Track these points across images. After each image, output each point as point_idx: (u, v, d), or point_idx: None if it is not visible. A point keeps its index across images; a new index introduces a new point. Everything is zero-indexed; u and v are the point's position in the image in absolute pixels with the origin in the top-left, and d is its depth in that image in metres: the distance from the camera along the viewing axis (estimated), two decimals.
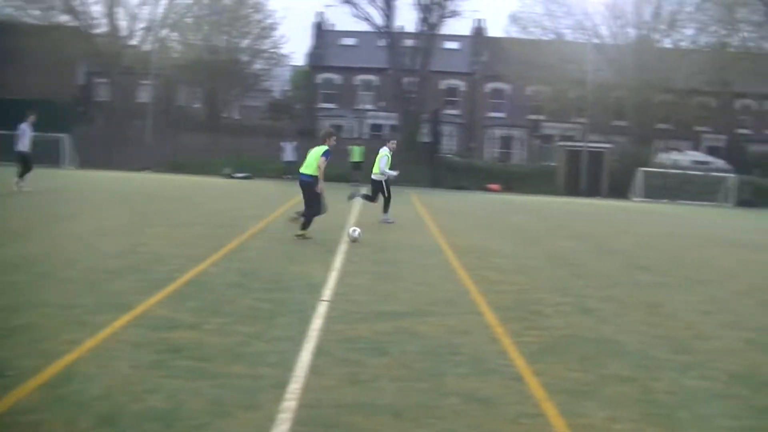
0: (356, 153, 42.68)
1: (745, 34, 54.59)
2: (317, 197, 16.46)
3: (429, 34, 53.04)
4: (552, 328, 9.17)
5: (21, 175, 24.22)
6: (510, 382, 6.97)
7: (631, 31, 57.18)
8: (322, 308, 9.46)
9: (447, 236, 18.52)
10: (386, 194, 21.52)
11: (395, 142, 22.74)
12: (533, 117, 60.27)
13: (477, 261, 14.58)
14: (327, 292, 10.49)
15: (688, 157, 51.79)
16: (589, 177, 47.89)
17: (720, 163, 50.68)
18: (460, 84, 62.67)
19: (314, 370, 6.94)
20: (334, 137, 17.17)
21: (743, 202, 46.06)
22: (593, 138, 51.63)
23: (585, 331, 9.13)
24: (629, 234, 22.67)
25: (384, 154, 21.47)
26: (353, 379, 6.79)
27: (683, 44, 57.04)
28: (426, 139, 52.01)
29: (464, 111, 61.87)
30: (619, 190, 46.49)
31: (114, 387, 6.24)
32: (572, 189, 47.16)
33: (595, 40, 56.46)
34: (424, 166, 47.33)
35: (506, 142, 61.44)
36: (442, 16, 52.95)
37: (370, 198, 22.13)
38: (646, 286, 12.84)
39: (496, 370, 7.30)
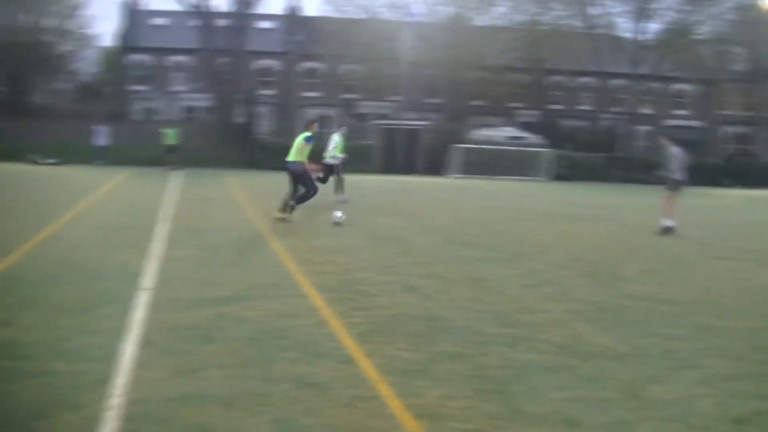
0: (170, 136, 41.75)
1: (557, 13, 55.97)
2: (309, 178, 18.15)
3: (243, 13, 52.41)
4: (379, 308, 9.11)
5: None
6: (341, 365, 6.85)
7: (445, 9, 57.88)
8: (143, 297, 9.11)
9: (265, 218, 18.29)
10: (339, 176, 23.43)
11: (346, 128, 24.96)
12: (348, 96, 60.33)
13: (297, 242, 14.46)
14: (147, 280, 10.15)
15: (503, 132, 52.91)
16: (405, 154, 48.28)
17: (534, 138, 51.94)
18: (274, 64, 62.13)
19: (140, 362, 6.64)
20: (317, 124, 19.34)
21: (558, 176, 47.41)
22: (408, 116, 52.11)
23: (412, 309, 9.12)
24: (448, 210, 22.95)
25: (335, 140, 23.62)
26: (180, 369, 6.53)
27: (496, 22, 57.98)
28: (241, 120, 51.44)
29: (279, 91, 61.38)
30: (436, 166, 47.04)
31: None
32: (389, 167, 47.43)
33: (410, 18, 56.88)
34: (239, 148, 46.77)
35: (321, 121, 61.19)
36: None
37: (322, 180, 22.87)
38: (469, 262, 12.98)
39: (326, 354, 7.17)
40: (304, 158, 18.15)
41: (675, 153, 19.51)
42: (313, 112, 58.73)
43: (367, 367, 6.82)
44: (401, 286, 10.50)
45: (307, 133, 18.28)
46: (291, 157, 18.16)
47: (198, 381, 6.29)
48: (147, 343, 7.21)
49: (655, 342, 8.14)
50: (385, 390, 6.25)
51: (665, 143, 20.12)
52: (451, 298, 9.83)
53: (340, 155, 23.48)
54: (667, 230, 18.73)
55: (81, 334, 7.54)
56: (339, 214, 17.65)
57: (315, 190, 18.50)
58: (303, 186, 18.23)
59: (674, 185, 19.45)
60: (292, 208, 18.09)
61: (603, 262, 13.74)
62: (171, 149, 41.11)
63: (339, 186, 22.61)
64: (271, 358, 6.95)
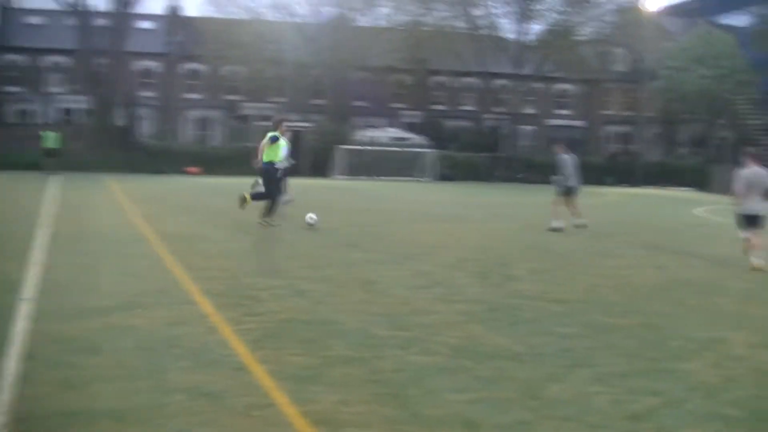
0: (50, 139, 40.77)
1: (440, 13, 56.30)
2: (276, 181, 18.22)
3: (122, 13, 51.47)
4: (269, 313, 8.96)
5: None
6: (235, 373, 6.69)
7: (328, 10, 57.70)
8: (24, 308, 8.76)
9: (150, 223, 17.96)
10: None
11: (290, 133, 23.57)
12: (230, 97, 59.74)
13: (184, 247, 14.16)
14: (28, 290, 9.76)
15: (387, 133, 53.10)
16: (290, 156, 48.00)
17: (418, 138, 52.23)
18: (155, 65, 61.11)
19: (24, 377, 6.35)
20: (285, 122, 19.30)
21: (442, 176, 47.79)
22: (292, 117, 51.86)
23: (303, 314, 9.00)
24: (334, 212, 22.83)
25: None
26: (67, 383, 6.26)
27: (380, 22, 58.05)
28: (121, 122, 50.52)
29: (160, 93, 60.43)
30: (320, 168, 47.01)
31: None
32: None
33: (294, 19, 56.58)
34: (119, 151, 45.95)
35: (204, 123, 60.60)
36: None
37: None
38: (358, 264, 12.92)
39: (219, 361, 7.00)
40: (276, 158, 18.33)
41: (567, 160, 20.23)
42: (195, 114, 58.19)
43: (261, 373, 6.68)
44: (291, 290, 10.35)
45: (273, 133, 18.25)
46: (264, 158, 18.16)
47: (86, 395, 6.05)
48: (30, 357, 6.90)
49: (549, 341, 8.19)
50: (280, 397, 6.12)
51: (559, 150, 20.71)
52: (342, 302, 9.73)
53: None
54: (556, 230, 19.38)
55: None
56: (312, 216, 17.95)
57: (276, 194, 18.46)
58: (265, 186, 18.42)
59: (567, 191, 20.18)
60: (245, 201, 18.43)
61: (492, 261, 13.82)
62: (51, 153, 40.14)
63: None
64: (163, 368, 6.74)
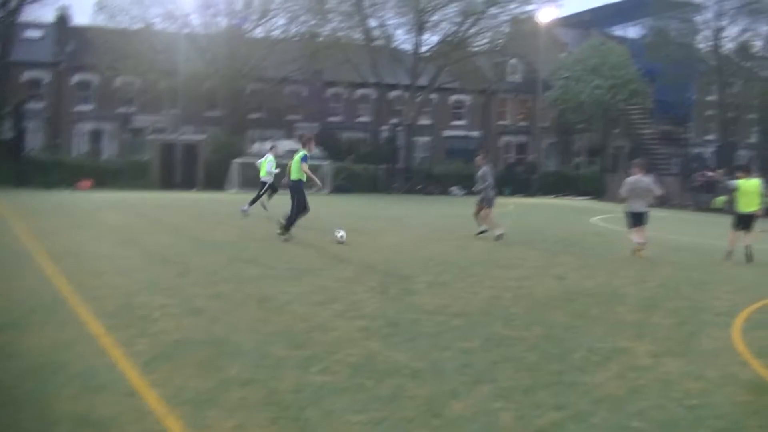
0: None
1: (335, 24, 56.23)
2: (303, 199, 19.02)
3: (7, 21, 50.17)
4: (162, 333, 8.65)
5: None
6: (125, 399, 6.39)
7: (223, 21, 57.09)
8: None
9: (38, 240, 17.39)
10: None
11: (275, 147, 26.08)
12: (123, 110, 58.67)
13: (73, 265, 13.68)
14: None
15: (283, 145, 52.79)
16: (184, 170, 47.45)
17: (314, 150, 51.94)
18: (43, 76, 59.68)
19: None
20: (313, 141, 20.19)
21: (339, 189, 47.66)
22: (187, 129, 51.23)
23: (197, 333, 8.71)
24: (229, 226, 22.50)
25: (269, 159, 25.30)
26: None
27: (275, 33, 57.74)
28: (8, 135, 49.20)
29: (49, 104, 59.03)
30: (216, 181, 46.47)
31: None
32: (167, 183, 46.53)
33: (186, 30, 55.86)
34: (7, 165, 44.73)
35: (96, 136, 59.35)
36: (22, 2, 50.27)
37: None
38: (254, 280, 12.63)
39: (108, 386, 6.67)
40: (303, 176, 19.01)
41: (487, 171, 21.30)
42: (86, 126, 57.05)
43: (153, 399, 6.40)
44: (185, 308, 10.03)
45: (304, 152, 19.09)
46: (292, 176, 19.07)
47: None
48: None
49: (449, 356, 8.07)
50: (174, 423, 5.88)
51: (480, 163, 21.73)
52: (238, 320, 9.46)
53: (275, 171, 26.35)
54: (500, 237, 20.71)
55: None
56: (341, 232, 18.83)
57: (303, 211, 19.34)
58: (293, 202, 19.19)
59: (490, 200, 21.22)
60: (287, 229, 19.03)
61: (391, 275, 13.68)
62: None
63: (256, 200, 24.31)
64: (48, 395, 6.39)
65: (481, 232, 21.02)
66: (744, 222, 18.95)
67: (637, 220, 18.47)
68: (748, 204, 18.90)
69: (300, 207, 19.11)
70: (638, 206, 18.47)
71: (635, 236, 18.58)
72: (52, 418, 5.89)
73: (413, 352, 8.15)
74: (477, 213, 21.37)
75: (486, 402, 6.61)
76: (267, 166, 26.97)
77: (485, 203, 20.99)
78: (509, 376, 7.39)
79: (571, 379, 7.43)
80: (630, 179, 18.70)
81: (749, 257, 18.27)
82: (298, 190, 19.08)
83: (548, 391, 6.96)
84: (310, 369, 7.40)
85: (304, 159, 18.82)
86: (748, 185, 19.09)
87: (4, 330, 8.51)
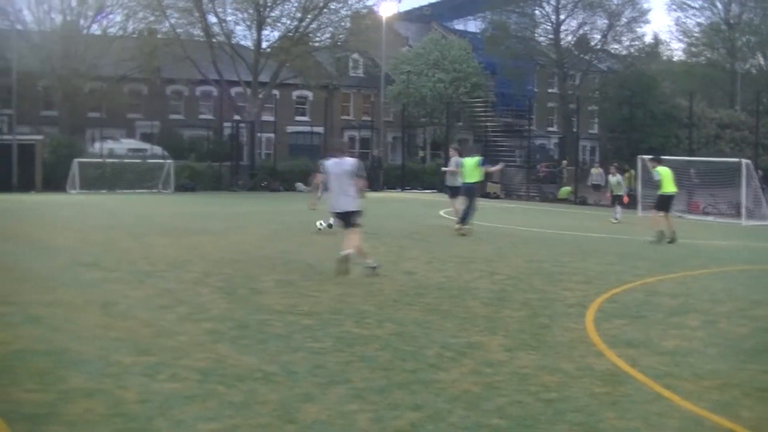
0: None
1: (174, 21, 55.29)
2: (476, 199, 22.42)
3: None
4: None
5: None
6: None
7: (57, 17, 55.50)
8: None
9: None
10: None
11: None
12: None
13: None
14: None
15: (124, 145, 51.73)
16: (20, 171, 45.94)
17: (156, 149, 51.14)
18: None
19: None
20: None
21: (182, 187, 46.99)
22: (22, 130, 49.61)
23: (36, 343, 8.33)
24: (70, 229, 21.78)
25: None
26: None
27: (112, 30, 56.48)
28: None
29: None
30: (55, 183, 45.17)
31: None
32: (3, 185, 44.97)
33: (19, 26, 54.08)
34: None
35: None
36: None
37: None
38: (96, 284, 12.24)
39: None
40: (479, 178, 22.83)
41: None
42: None
43: None
44: (21, 317, 9.60)
45: (478, 157, 22.80)
46: (469, 178, 22.14)
47: None
48: None
49: (301, 357, 7.93)
50: None
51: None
52: (79, 327, 9.10)
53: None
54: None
55: None
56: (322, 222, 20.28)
57: (475, 209, 22.30)
58: (469, 203, 22.03)
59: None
60: (464, 222, 22.03)
61: (237, 275, 13.44)
62: None
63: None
64: None
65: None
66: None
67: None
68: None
69: (473, 208, 22.04)
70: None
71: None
72: None
73: (264, 355, 7.98)
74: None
75: (341, 404, 6.48)
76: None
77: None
78: (364, 377, 7.28)
79: (426, 377, 7.36)
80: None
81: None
82: (473, 192, 22.33)
83: (404, 391, 6.88)
84: (158, 376, 7.14)
85: (483, 163, 22.57)
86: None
87: None
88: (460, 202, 22.85)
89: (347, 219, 14.00)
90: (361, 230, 14.26)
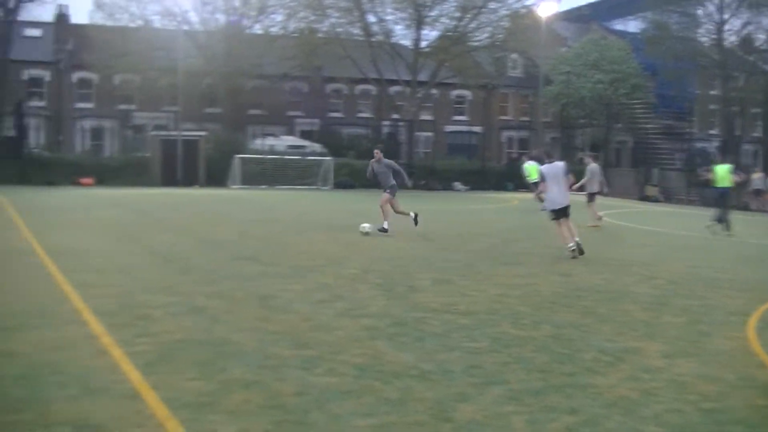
0: None
1: (334, 20, 56.04)
2: (729, 203, 24.43)
3: (6, 20, 50.03)
4: (164, 333, 8.47)
5: None
6: (125, 401, 6.20)
7: (221, 17, 56.95)
8: None
9: (39, 237, 17.20)
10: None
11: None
12: (123, 107, 58.53)
13: (73, 263, 13.51)
14: None
15: (284, 141, 52.66)
16: (185, 166, 47.29)
17: (315, 147, 51.90)
18: (44, 74, 59.57)
19: None
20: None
21: (340, 184, 47.51)
22: (187, 126, 51.07)
23: (198, 333, 8.53)
24: (231, 223, 22.31)
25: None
26: None
27: (273, 30, 57.57)
28: (10, 133, 49.13)
29: (50, 102, 58.96)
30: (217, 178, 46.34)
31: None
32: (169, 179, 46.39)
33: (185, 27, 55.73)
34: (8, 163, 44.65)
35: (97, 133, 59.28)
36: (21, 0, 50.14)
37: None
38: (255, 278, 12.45)
39: (108, 389, 6.49)
40: (730, 183, 24.12)
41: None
42: (87, 124, 56.93)
43: (154, 401, 6.21)
44: (186, 307, 9.86)
45: (731, 165, 24.41)
46: (721, 182, 23.92)
47: None
48: None
49: (457, 357, 7.87)
50: (175, 427, 5.69)
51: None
52: (239, 319, 9.28)
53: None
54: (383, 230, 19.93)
55: None
56: (366, 225, 19.55)
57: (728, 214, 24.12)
58: (725, 207, 24.07)
59: (394, 188, 20.83)
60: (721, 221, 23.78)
61: (394, 272, 13.49)
62: None
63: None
64: (47, 398, 6.21)
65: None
66: None
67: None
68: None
69: (728, 211, 23.86)
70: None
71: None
72: (51, 421, 5.72)
73: (420, 353, 7.96)
74: (393, 206, 20.89)
75: (496, 405, 6.42)
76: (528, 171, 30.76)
77: (391, 192, 20.62)
78: (520, 378, 7.19)
79: (582, 381, 7.22)
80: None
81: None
82: (727, 197, 24.10)
83: (560, 394, 6.77)
84: (315, 370, 7.21)
85: (735, 171, 24.33)
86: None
87: (2, 330, 8.33)
88: (594, 208, 24.33)
89: (565, 212, 16.84)
90: (523, 228, 14.18)
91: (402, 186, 20.78)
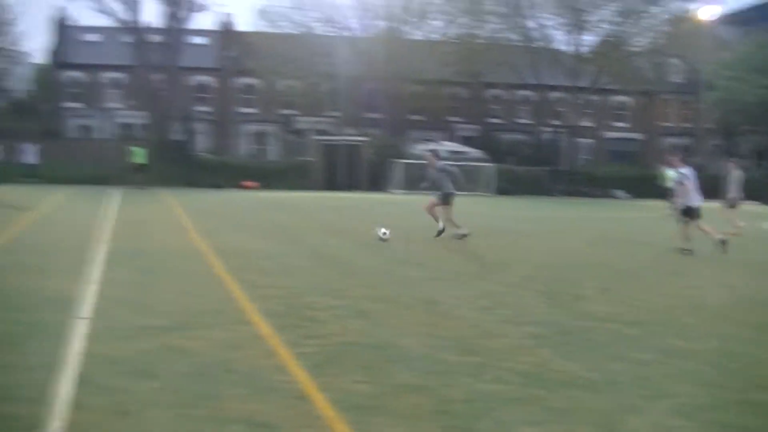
0: (138, 154, 41.82)
1: (493, 26, 56.00)
2: None
3: (175, 29, 51.68)
4: (330, 336, 8.58)
5: None
6: (294, 402, 6.31)
7: (381, 23, 57.51)
8: (80, 327, 8.47)
9: (207, 238, 17.72)
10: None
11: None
12: (286, 112, 59.76)
13: (240, 264, 13.86)
14: (84, 308, 9.49)
15: (443, 147, 52.85)
16: (346, 170, 47.91)
17: (476, 152, 51.92)
18: (209, 80, 61.47)
19: (76, 403, 6.01)
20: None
21: (501, 191, 47.40)
22: (347, 131, 51.76)
23: (365, 337, 8.61)
24: (393, 227, 22.39)
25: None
26: (121, 410, 5.92)
27: (433, 36, 57.88)
28: (177, 137, 50.77)
29: (215, 107, 60.70)
30: (378, 182, 46.80)
31: None
32: (330, 183, 47.08)
33: (346, 33, 56.56)
34: (177, 166, 46.13)
35: (260, 138, 60.82)
36: (190, 10, 51.77)
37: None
38: (418, 282, 12.52)
39: (277, 388, 6.61)
40: None
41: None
42: (250, 128, 58.35)
43: (321, 402, 6.29)
44: (352, 310, 9.98)
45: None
46: None
47: (141, 423, 5.73)
48: (83, 380, 6.57)
49: (624, 367, 7.71)
50: (343, 429, 5.74)
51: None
52: (406, 324, 9.32)
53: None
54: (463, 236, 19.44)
55: (10, 371, 6.89)
56: (384, 230, 18.46)
57: None
58: None
59: (445, 196, 20.12)
60: None
61: (559, 280, 13.37)
62: (139, 168, 41.54)
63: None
64: (219, 395, 6.37)
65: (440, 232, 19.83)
66: None
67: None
68: None
69: None
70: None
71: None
72: (223, 418, 5.86)
73: (586, 362, 7.83)
74: (430, 211, 20.68)
75: (664, 418, 6.24)
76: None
77: (443, 200, 20.04)
78: (687, 392, 6.97)
79: (754, 398, 6.97)
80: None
81: None
82: None
83: (730, 411, 6.53)
84: (482, 377, 7.17)
85: None
86: None
87: (176, 329, 8.61)
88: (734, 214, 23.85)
89: (697, 212, 18.29)
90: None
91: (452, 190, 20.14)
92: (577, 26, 55.33)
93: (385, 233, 18.14)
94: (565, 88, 56.96)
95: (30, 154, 43.74)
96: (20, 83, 71.66)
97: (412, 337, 8.64)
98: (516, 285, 12.65)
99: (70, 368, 6.93)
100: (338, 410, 6.10)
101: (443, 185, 20.02)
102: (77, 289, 10.76)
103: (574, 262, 16.13)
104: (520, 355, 8.04)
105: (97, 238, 16.89)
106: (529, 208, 35.39)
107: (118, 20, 51.08)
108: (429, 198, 20.57)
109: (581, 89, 56.57)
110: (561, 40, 57.93)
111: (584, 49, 56.94)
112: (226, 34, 63.60)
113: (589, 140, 61.29)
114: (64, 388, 6.38)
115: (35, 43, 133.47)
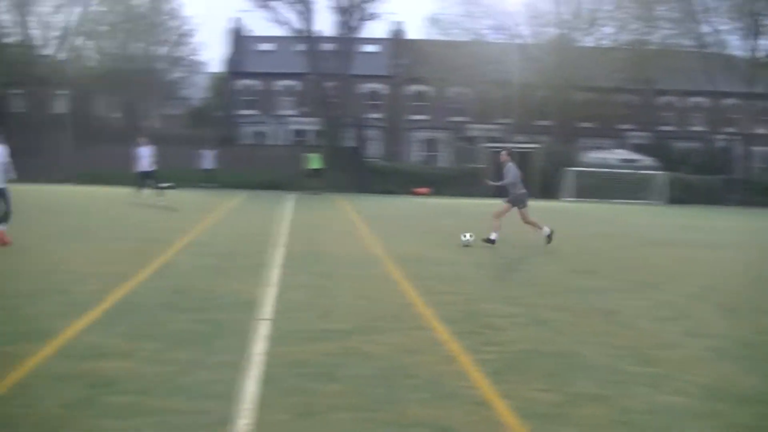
0: (314, 160, 43.27)
1: (665, 32, 54.96)
2: None
3: (347, 37, 52.45)
4: (509, 343, 8.60)
5: None
6: (476, 408, 6.35)
7: (552, 30, 57.11)
8: (262, 328, 8.76)
9: (383, 244, 17.95)
10: None
11: None
12: (456, 119, 59.96)
13: (416, 270, 13.97)
14: (266, 310, 9.80)
15: (615, 155, 52.05)
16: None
17: (647, 160, 50.94)
18: (381, 87, 62.18)
19: (262, 402, 6.24)
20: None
21: (673, 200, 46.35)
22: (518, 138, 51.54)
23: (544, 345, 8.59)
24: (566, 236, 22.21)
25: None
26: (306, 410, 6.12)
27: (604, 42, 57.17)
28: (349, 143, 51.56)
29: (386, 114, 61.36)
30: (549, 190, 46.36)
31: None
32: (500, 191, 46.85)
33: (516, 40, 56.39)
34: (349, 172, 46.83)
35: (431, 144, 61.18)
36: (362, 19, 52.45)
37: None
38: (596, 292, 12.39)
39: (458, 394, 6.67)
40: None
41: (510, 168, 19.55)
42: (421, 135, 58.76)
43: (503, 409, 6.31)
44: (530, 318, 9.97)
45: None
46: None
47: (326, 424, 5.89)
48: (268, 380, 6.82)
49: None
50: None
51: (504, 159, 20.10)
52: (584, 333, 9.26)
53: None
54: (549, 237, 18.94)
55: (199, 367, 7.19)
56: (467, 235, 17.94)
57: None
58: None
59: (518, 199, 19.37)
60: None
61: (738, 292, 13.06)
62: (315, 173, 42.79)
63: None
64: (401, 400, 6.47)
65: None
66: None
67: None
68: None
69: None
70: None
71: None
72: (406, 423, 5.95)
73: None
74: (525, 220, 19.63)
75: None
76: None
77: (515, 203, 19.28)
78: None
79: None
80: None
81: None
82: None
83: None
84: (661, 389, 7.06)
85: None
86: None
87: (356, 333, 8.78)
88: None
89: None
90: None
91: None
92: (755, 30, 53.69)
93: (468, 237, 18.00)
94: (740, 95, 55.36)
95: (207, 159, 45.08)
96: (198, 92, 74.10)
97: (591, 346, 8.58)
98: (694, 296, 12.37)
99: (255, 368, 7.18)
100: (520, 417, 6.12)
101: (514, 187, 19.44)
102: (258, 291, 11.10)
103: (753, 274, 15.68)
104: (701, 367, 7.88)
105: (274, 242, 17.30)
106: (702, 217, 34.46)
107: (293, 30, 52.12)
108: (500, 204, 20.08)
109: (757, 95, 54.85)
110: (736, 45, 56.32)
111: (760, 54, 55.16)
112: (397, 42, 64.20)
113: (765, 148, 59.31)
114: (250, 387, 6.61)
115: (212, 53, 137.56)
